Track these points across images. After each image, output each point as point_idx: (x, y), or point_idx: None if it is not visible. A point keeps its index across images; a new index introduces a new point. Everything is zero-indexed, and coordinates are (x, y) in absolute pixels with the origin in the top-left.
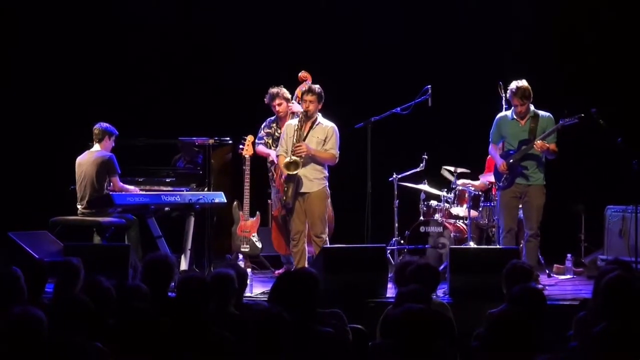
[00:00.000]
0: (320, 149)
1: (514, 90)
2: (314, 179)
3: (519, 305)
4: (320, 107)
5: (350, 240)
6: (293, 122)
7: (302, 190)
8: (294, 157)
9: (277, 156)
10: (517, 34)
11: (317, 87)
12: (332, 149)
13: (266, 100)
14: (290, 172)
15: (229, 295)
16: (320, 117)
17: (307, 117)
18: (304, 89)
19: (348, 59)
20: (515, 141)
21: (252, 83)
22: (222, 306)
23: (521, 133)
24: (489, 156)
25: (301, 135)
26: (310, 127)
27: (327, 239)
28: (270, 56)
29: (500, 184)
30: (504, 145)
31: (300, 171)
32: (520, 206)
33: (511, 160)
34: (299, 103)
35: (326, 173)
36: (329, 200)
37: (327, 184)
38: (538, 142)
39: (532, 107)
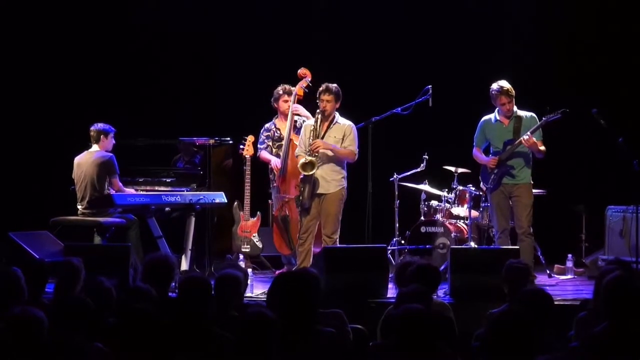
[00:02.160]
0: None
1: (499, 89)
2: (331, 180)
3: (526, 307)
4: (337, 106)
5: (351, 240)
6: (311, 122)
7: (319, 191)
8: (309, 157)
9: (297, 156)
10: (518, 34)
11: (334, 86)
12: (351, 145)
13: (280, 91)
14: (307, 173)
15: (234, 297)
16: (338, 117)
17: (324, 117)
18: (321, 88)
19: (349, 59)
20: (501, 142)
21: (253, 83)
22: (224, 307)
23: (506, 134)
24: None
25: (318, 134)
26: (328, 127)
27: (338, 240)
28: (271, 56)
29: (489, 185)
30: (490, 147)
31: (318, 172)
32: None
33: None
34: (300, 99)
35: (344, 173)
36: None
37: (346, 184)
38: (525, 137)
39: (515, 108)
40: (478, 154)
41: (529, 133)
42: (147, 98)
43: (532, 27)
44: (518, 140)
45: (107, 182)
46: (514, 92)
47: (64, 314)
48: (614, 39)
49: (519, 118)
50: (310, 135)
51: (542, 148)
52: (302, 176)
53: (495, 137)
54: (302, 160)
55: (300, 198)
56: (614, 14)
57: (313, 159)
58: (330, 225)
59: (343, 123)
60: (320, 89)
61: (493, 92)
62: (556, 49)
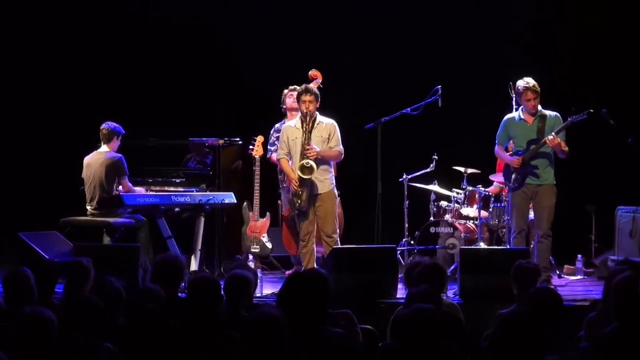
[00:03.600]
0: (325, 148)
1: (525, 86)
2: (324, 180)
3: (535, 306)
4: (318, 105)
5: (360, 240)
6: (292, 124)
7: (315, 192)
8: (310, 162)
9: (278, 159)
10: (527, 33)
11: (312, 86)
12: (337, 145)
13: (285, 90)
14: (305, 177)
15: (244, 297)
16: (319, 116)
17: (308, 118)
18: (300, 89)
19: (358, 60)
20: (524, 141)
21: (263, 84)
22: (233, 307)
23: (530, 133)
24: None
25: (308, 137)
26: (312, 127)
27: (338, 239)
28: (280, 56)
29: (510, 184)
30: (513, 146)
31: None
32: (531, 206)
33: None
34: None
35: (332, 172)
36: (338, 199)
37: (335, 183)
38: (550, 137)
39: (539, 107)
40: (501, 153)
41: (553, 133)
42: (157, 98)
43: (541, 27)
44: (543, 140)
45: (116, 183)
46: (539, 88)
47: (73, 314)
48: (623, 39)
49: (543, 117)
50: (301, 137)
51: (566, 149)
52: (297, 180)
53: (518, 136)
54: (302, 163)
55: (298, 201)
56: (624, 14)
57: (313, 163)
58: (330, 224)
59: (326, 122)
60: (299, 90)
61: (519, 89)
62: (566, 49)
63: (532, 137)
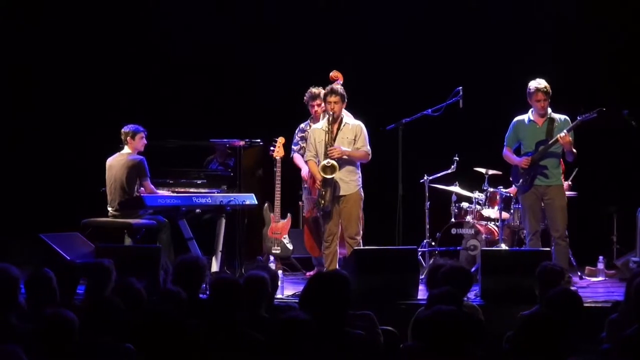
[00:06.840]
0: (352, 149)
1: (536, 87)
2: (349, 181)
3: (555, 308)
4: (344, 106)
5: (381, 242)
6: (319, 126)
7: (340, 193)
8: (331, 161)
9: (306, 161)
10: (549, 34)
11: (339, 87)
12: (364, 146)
13: (305, 99)
14: (327, 176)
15: (262, 298)
16: (346, 117)
17: (334, 119)
18: (326, 90)
19: (379, 61)
20: (533, 143)
21: (283, 84)
22: (254, 308)
23: (539, 134)
24: None
25: (332, 138)
26: (338, 129)
27: (361, 241)
28: (301, 57)
29: (519, 185)
30: (521, 148)
31: (336, 174)
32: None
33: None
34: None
35: (359, 173)
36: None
37: (361, 184)
38: (562, 134)
39: (549, 109)
40: (509, 154)
41: (565, 131)
42: (178, 99)
43: (563, 28)
44: (554, 139)
45: (137, 185)
46: (550, 91)
47: (95, 315)
48: None
49: (552, 120)
50: (324, 138)
51: (574, 150)
52: (321, 180)
53: (527, 138)
54: (323, 163)
55: (322, 202)
56: None
57: (334, 162)
58: (353, 226)
59: (353, 123)
60: (325, 91)
61: (530, 89)
62: (588, 50)
63: (541, 139)
